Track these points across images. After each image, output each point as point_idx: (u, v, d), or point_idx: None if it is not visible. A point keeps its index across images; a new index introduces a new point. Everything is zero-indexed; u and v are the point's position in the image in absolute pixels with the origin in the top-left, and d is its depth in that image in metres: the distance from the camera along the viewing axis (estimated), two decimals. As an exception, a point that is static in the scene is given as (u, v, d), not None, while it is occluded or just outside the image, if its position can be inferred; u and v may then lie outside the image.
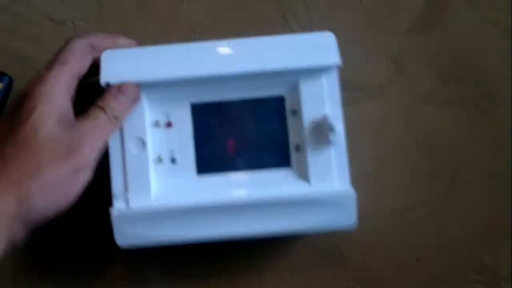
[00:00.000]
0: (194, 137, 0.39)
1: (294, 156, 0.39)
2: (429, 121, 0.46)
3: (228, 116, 0.39)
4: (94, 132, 0.35)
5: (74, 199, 0.34)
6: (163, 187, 0.38)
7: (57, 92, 0.34)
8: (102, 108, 0.36)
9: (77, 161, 0.33)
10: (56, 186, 0.33)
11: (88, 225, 0.44)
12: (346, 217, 0.37)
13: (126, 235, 0.37)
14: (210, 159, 0.39)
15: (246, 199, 0.37)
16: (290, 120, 0.39)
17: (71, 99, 0.36)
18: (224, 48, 0.38)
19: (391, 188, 0.45)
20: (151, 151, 0.38)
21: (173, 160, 0.39)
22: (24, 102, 0.34)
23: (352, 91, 0.46)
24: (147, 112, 0.38)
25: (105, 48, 0.38)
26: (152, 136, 0.38)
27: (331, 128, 0.36)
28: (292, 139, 0.39)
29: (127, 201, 0.37)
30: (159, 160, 0.38)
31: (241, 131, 0.39)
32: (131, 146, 0.37)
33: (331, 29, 0.37)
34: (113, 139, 0.37)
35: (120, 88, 0.37)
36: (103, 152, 0.36)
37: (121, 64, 0.37)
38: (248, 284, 0.44)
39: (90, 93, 0.38)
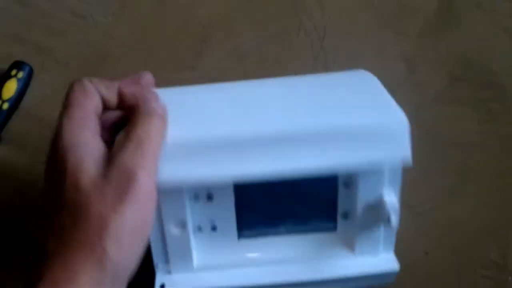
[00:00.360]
0: (236, 206, 0.36)
1: (341, 222, 0.37)
2: (440, 122, 0.47)
3: (274, 188, 0.36)
4: (143, 149, 0.30)
5: (151, 228, 0.31)
6: (204, 256, 0.37)
7: (75, 137, 0.30)
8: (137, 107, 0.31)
9: (137, 192, 0.28)
10: (129, 230, 0.29)
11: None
12: (386, 281, 0.38)
13: None
14: (252, 226, 0.37)
15: (291, 274, 0.36)
16: (342, 190, 0.36)
17: (97, 135, 0.31)
18: (274, 140, 0.33)
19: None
20: (191, 224, 0.36)
21: (213, 228, 0.37)
22: (53, 164, 0.30)
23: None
24: (186, 192, 0.35)
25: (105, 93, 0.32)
26: (191, 211, 0.36)
27: (387, 218, 0.34)
28: (341, 206, 0.37)
29: (169, 271, 0.36)
30: (199, 229, 0.37)
31: (286, 198, 0.37)
32: (172, 229, 0.35)
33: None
34: None
35: (135, 81, 0.33)
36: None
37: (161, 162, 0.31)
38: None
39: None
